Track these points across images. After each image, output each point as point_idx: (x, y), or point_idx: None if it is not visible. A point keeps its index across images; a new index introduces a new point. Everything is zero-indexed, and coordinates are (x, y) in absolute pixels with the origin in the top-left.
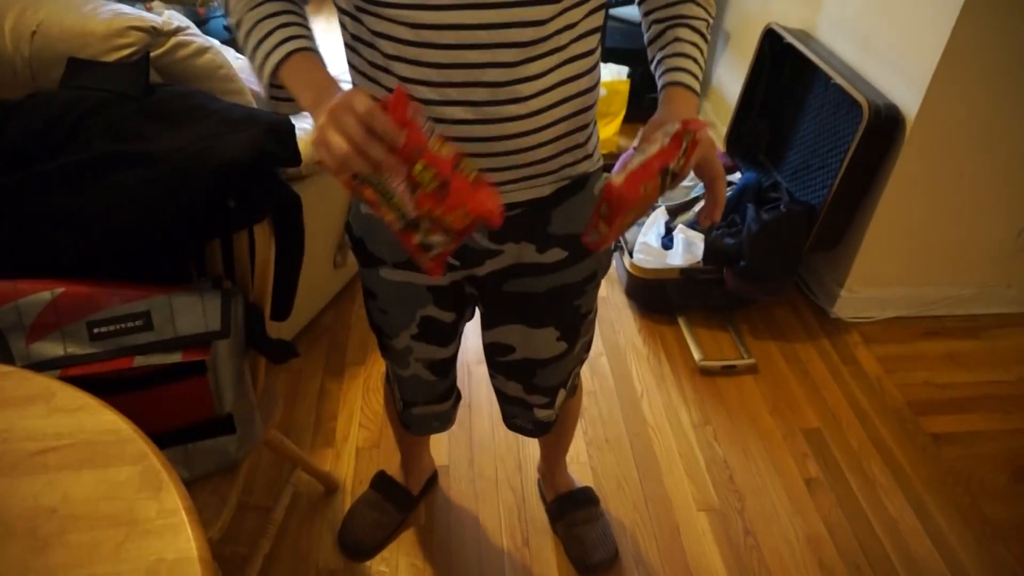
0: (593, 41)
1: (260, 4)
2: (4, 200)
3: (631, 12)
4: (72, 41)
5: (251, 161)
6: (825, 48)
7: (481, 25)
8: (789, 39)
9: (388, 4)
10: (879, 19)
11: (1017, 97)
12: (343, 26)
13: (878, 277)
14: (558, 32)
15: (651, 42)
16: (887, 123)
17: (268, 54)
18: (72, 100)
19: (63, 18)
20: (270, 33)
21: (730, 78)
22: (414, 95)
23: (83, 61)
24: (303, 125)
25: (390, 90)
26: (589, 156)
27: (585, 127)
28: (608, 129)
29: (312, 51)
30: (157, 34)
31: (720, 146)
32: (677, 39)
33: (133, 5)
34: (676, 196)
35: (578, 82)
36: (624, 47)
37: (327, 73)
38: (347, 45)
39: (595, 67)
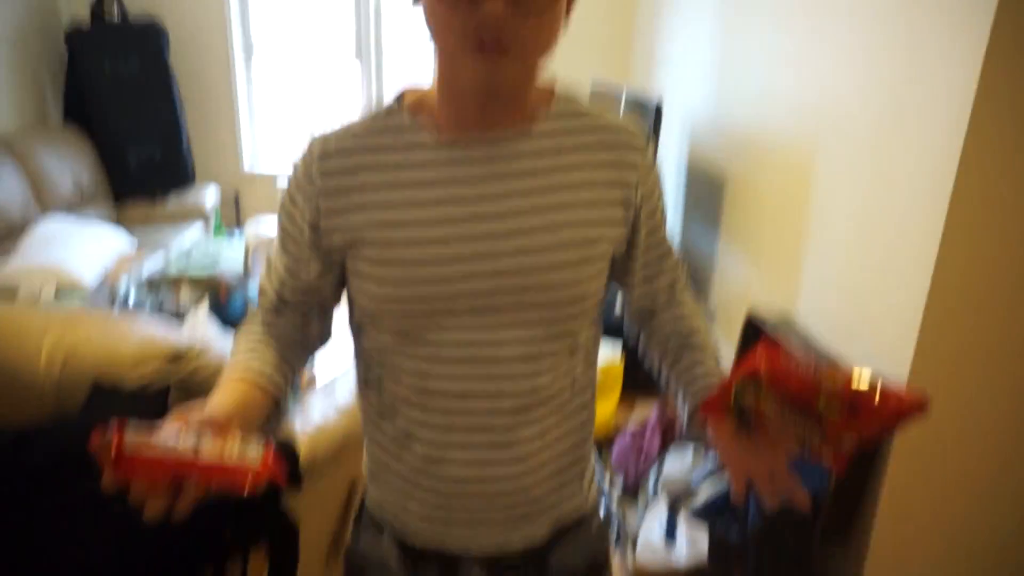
0: (590, 390)
1: (251, 340)
2: (12, 531)
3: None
4: (101, 367)
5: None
6: (808, 334)
7: (484, 377)
8: (768, 331)
9: (399, 356)
10: (853, 309)
11: (1002, 378)
12: (355, 368)
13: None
14: (560, 390)
15: (669, 362)
16: None
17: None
18: (90, 430)
19: (98, 343)
20: (234, 357)
21: (722, 348)
22: (417, 434)
23: (106, 387)
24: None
25: (401, 433)
26: (585, 496)
27: (581, 465)
28: (604, 408)
29: (246, 383)
30: (179, 359)
31: None
32: (697, 362)
33: (159, 291)
34: (673, 473)
35: (578, 430)
36: (614, 320)
37: (234, 401)
38: (358, 386)
39: (592, 412)
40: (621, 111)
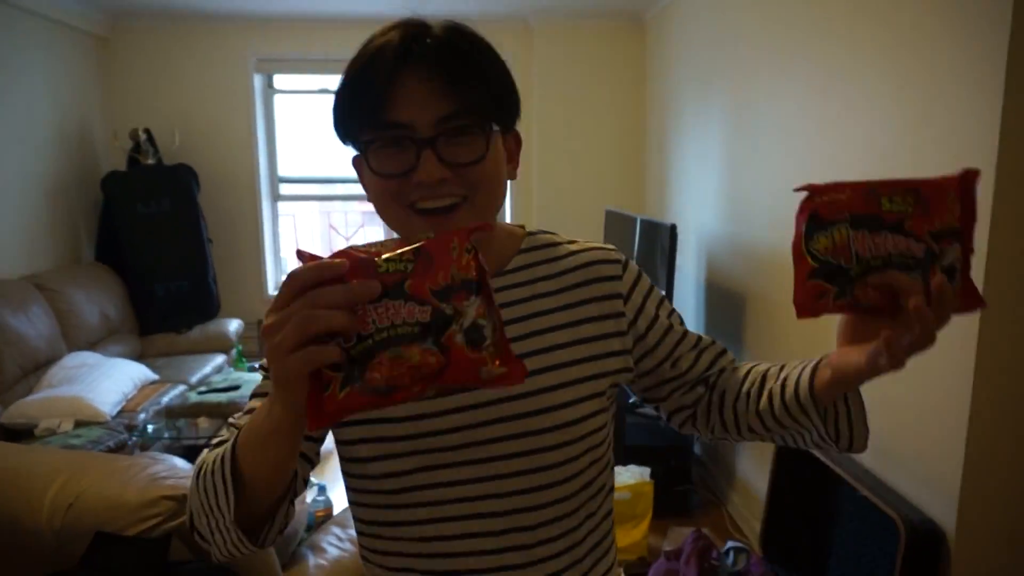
0: (608, 521)
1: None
2: None
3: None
4: (104, 514)
5: None
6: (842, 455)
7: (488, 533)
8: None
9: (400, 523)
10: (889, 423)
11: None
12: (359, 540)
13: None
14: (574, 533)
15: (755, 398)
16: (927, 540)
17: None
18: None
19: (102, 488)
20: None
21: (755, 473)
22: None
23: (109, 536)
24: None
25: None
26: None
27: None
28: (636, 532)
29: None
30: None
31: (756, 549)
32: (784, 366)
33: (177, 421)
34: None
35: (601, 560)
36: (646, 444)
37: None
38: (361, 554)
39: (610, 548)
40: (637, 236)
